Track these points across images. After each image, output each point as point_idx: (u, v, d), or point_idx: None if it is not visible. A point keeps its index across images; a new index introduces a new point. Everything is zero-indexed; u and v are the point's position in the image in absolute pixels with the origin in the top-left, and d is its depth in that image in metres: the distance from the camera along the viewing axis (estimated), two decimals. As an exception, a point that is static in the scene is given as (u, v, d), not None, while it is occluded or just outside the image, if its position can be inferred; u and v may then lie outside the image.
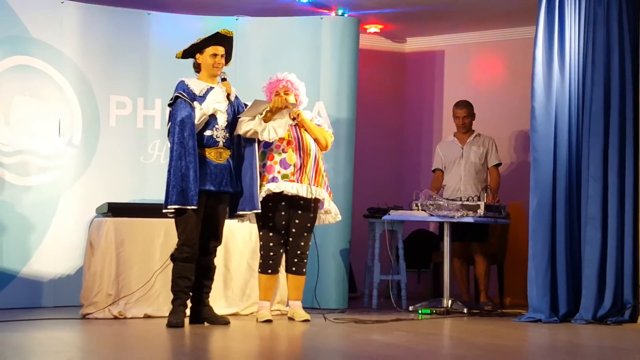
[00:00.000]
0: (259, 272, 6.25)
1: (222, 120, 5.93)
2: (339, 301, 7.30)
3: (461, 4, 7.94)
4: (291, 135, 6.24)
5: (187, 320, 5.96)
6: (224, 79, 6.02)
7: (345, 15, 7.84)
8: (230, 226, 6.41)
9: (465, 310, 6.92)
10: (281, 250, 6.25)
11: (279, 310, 6.74)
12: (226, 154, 5.94)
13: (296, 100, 6.31)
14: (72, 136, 7.18)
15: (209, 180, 5.85)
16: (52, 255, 7.01)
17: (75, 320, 6.17)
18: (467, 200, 7.06)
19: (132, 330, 5.74)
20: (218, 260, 6.16)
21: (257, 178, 6.01)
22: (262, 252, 6.23)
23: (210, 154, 5.89)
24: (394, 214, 7.20)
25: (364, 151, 8.42)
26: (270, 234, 6.20)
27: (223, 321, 5.97)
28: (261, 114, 6.00)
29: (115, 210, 6.56)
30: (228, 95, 5.99)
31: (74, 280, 6.88)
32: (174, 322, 5.74)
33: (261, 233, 6.22)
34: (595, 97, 6.41)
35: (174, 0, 7.70)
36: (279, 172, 6.15)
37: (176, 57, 6.09)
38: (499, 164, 7.71)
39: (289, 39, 7.57)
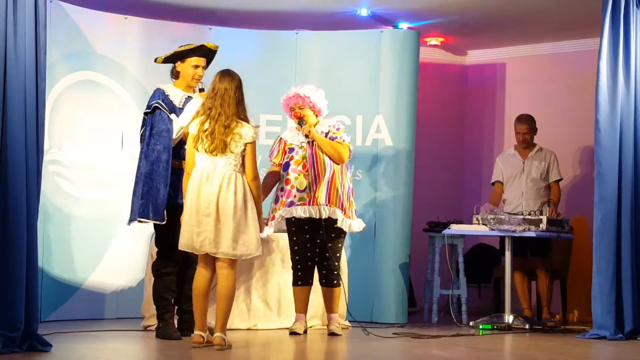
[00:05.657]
0: (292, 285, 6.32)
1: None
2: (398, 316, 7.25)
3: (522, 16, 7.86)
4: (306, 156, 6.19)
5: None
6: (201, 90, 5.90)
7: (406, 28, 7.82)
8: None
9: (527, 326, 6.82)
10: (309, 263, 6.28)
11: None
12: None
13: (314, 112, 6.25)
14: (134, 150, 7.25)
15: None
16: (114, 268, 7.10)
17: (137, 332, 6.22)
18: (529, 214, 6.97)
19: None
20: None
21: None
22: (292, 266, 6.33)
23: None
24: (455, 228, 7.13)
25: (423, 164, 8.37)
26: (296, 248, 6.26)
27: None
28: None
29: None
30: None
31: (136, 292, 6.95)
32: (174, 334, 5.75)
33: (294, 248, 6.30)
34: (662, 109, 6.29)
35: (234, 15, 7.75)
36: (295, 196, 6.16)
37: (155, 61, 6.04)
38: (560, 180, 7.60)
39: (348, 52, 7.56)
